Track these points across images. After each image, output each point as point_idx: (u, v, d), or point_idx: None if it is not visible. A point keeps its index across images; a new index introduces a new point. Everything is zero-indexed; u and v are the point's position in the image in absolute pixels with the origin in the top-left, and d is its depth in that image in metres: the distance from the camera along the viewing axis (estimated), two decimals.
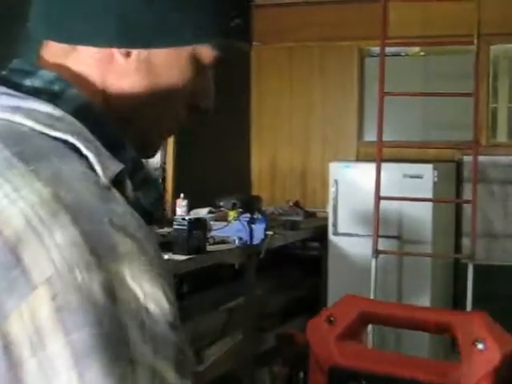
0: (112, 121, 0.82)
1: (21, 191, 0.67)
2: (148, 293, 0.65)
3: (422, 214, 5.07)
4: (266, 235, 4.55)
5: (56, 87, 0.80)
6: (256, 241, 4.48)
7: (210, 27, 0.84)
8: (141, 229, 0.69)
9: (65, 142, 0.73)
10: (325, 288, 5.33)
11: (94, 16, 0.83)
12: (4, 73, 0.86)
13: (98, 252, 0.64)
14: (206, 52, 0.85)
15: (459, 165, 5.64)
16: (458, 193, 5.64)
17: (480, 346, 1.31)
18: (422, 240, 5.09)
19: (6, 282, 0.62)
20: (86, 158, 0.73)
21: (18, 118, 0.75)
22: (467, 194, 5.15)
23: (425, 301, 5.00)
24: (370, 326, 4.27)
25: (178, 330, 0.66)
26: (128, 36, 0.83)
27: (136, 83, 0.84)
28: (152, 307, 0.64)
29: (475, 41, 4.65)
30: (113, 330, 0.61)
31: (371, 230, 4.83)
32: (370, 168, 4.95)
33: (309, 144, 6.21)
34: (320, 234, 5.44)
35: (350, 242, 5.27)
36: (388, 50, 5.24)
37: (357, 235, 5.22)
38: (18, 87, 0.80)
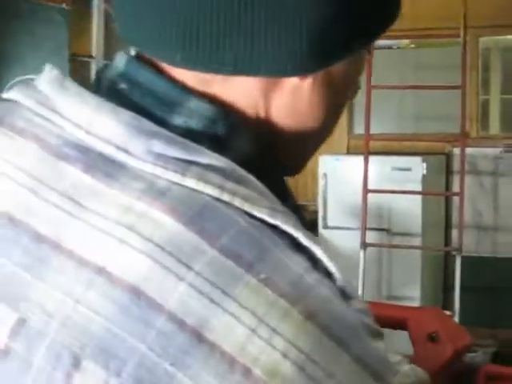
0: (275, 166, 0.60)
1: (272, 324, 0.48)
2: None
3: (411, 207, 5.08)
4: None
5: (221, 129, 0.55)
6: None
7: (386, 16, 0.61)
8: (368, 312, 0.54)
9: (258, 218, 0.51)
10: None
11: (265, 37, 0.54)
12: (118, 84, 0.58)
13: (384, 379, 0.50)
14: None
15: (449, 157, 5.64)
16: (448, 185, 5.64)
17: (433, 341, 1.33)
18: (412, 232, 5.10)
19: None
20: (285, 233, 0.52)
21: (194, 183, 0.51)
22: (457, 186, 5.15)
23: (415, 293, 5.02)
24: None
25: None
26: (314, 55, 0.56)
27: (310, 109, 0.60)
28: None
29: (461, 33, 4.64)
30: None
31: (361, 223, 4.84)
32: (359, 161, 4.96)
33: None
34: (310, 227, 5.43)
35: (340, 235, 5.28)
36: (379, 42, 5.23)
37: (347, 228, 5.22)
38: (160, 124, 0.54)
